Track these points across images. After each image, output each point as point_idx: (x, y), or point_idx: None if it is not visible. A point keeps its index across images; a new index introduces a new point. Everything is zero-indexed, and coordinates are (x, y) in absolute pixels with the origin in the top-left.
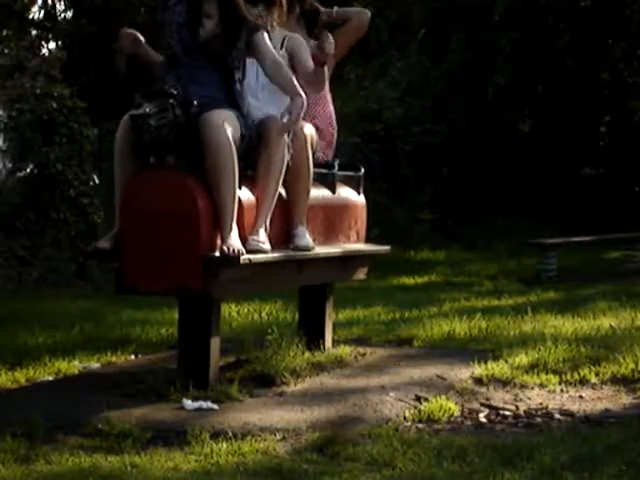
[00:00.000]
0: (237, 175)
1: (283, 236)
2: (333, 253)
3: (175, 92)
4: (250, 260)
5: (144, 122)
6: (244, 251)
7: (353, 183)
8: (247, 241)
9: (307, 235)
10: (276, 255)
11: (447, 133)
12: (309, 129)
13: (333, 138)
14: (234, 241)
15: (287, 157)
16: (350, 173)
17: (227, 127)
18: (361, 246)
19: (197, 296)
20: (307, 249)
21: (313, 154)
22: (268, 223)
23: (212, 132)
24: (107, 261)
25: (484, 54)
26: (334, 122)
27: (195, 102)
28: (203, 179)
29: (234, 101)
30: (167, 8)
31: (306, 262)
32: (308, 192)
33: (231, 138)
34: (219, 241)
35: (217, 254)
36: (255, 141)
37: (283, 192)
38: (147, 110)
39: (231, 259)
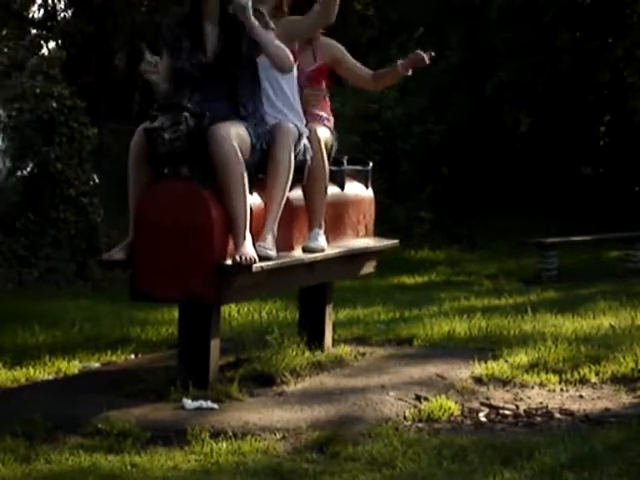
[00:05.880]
0: (247, 185)
1: (293, 238)
2: (342, 252)
3: (188, 105)
4: (262, 268)
5: (158, 135)
6: (257, 259)
7: (361, 177)
8: (254, 247)
9: (321, 237)
10: (287, 260)
11: (446, 132)
12: (323, 132)
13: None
14: (248, 249)
15: (308, 161)
16: (358, 167)
17: (233, 138)
18: (370, 241)
19: (210, 304)
20: (317, 251)
21: (329, 156)
22: (276, 228)
23: (218, 144)
24: (121, 270)
25: (482, 53)
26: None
27: (207, 114)
28: (216, 189)
29: (247, 114)
30: (169, 31)
31: (316, 262)
32: (325, 194)
33: (238, 149)
34: (233, 250)
35: (230, 263)
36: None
37: (289, 195)
38: (161, 123)
39: (244, 268)
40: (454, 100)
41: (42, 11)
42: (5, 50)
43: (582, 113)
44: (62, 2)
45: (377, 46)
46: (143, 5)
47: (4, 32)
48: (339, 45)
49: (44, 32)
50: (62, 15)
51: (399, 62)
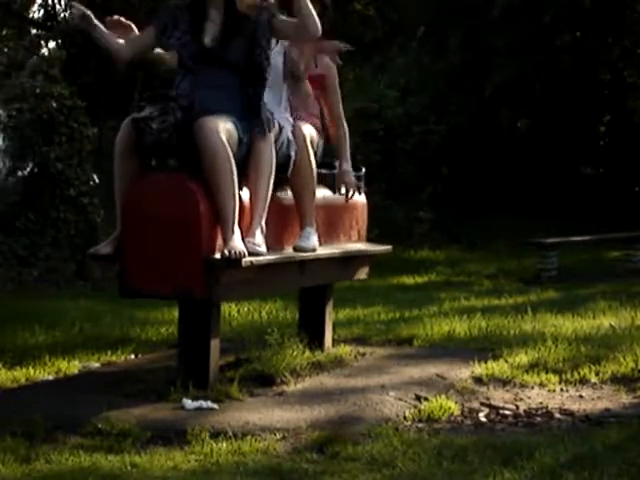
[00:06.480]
0: (235, 178)
1: (284, 237)
2: (334, 254)
3: (177, 95)
4: (252, 262)
5: (146, 125)
6: (246, 253)
7: None
8: (243, 242)
9: (312, 236)
10: (278, 257)
11: (446, 132)
12: (308, 129)
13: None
14: (236, 243)
15: (292, 156)
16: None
17: (221, 131)
18: (362, 246)
19: (199, 299)
20: (308, 250)
21: (315, 154)
22: (264, 224)
23: (206, 137)
24: (108, 265)
25: (482, 53)
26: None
27: (196, 106)
28: (205, 182)
29: (241, 106)
30: (167, 12)
31: (308, 263)
32: (314, 192)
33: (226, 142)
34: (221, 244)
35: (219, 257)
36: None
37: (280, 194)
38: (149, 113)
39: (233, 262)
40: (454, 100)
41: (42, 11)
42: (5, 50)
43: (582, 113)
44: (62, 2)
45: (379, 46)
46: (143, 5)
47: (4, 32)
48: (336, 77)
49: (44, 32)
50: (62, 15)
51: (347, 171)
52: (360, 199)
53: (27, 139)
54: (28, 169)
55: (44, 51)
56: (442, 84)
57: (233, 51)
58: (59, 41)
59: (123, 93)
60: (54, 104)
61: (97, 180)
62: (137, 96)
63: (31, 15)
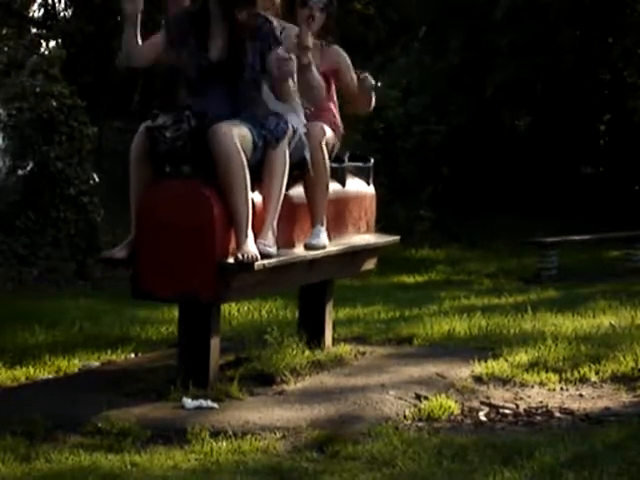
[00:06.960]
0: (249, 183)
1: (294, 235)
2: (343, 250)
3: (190, 104)
4: (264, 265)
5: (160, 134)
6: (259, 257)
7: (362, 174)
8: (255, 244)
9: (322, 234)
10: (289, 258)
11: (447, 132)
12: (323, 130)
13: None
14: (250, 247)
15: (307, 158)
16: (360, 164)
17: (235, 136)
18: (371, 238)
19: (210, 302)
20: (319, 248)
21: (330, 153)
22: (275, 225)
23: (220, 142)
24: (123, 269)
25: (483, 52)
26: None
27: (209, 114)
28: (218, 188)
29: (251, 114)
30: (176, 25)
31: (317, 259)
32: (326, 191)
33: (240, 147)
34: (235, 248)
35: (232, 261)
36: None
37: (290, 193)
38: (163, 122)
39: (246, 266)
40: (455, 100)
41: (42, 10)
42: (5, 49)
43: (582, 112)
44: (62, 2)
45: (380, 47)
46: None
47: (4, 31)
48: (346, 58)
49: (44, 31)
50: (62, 14)
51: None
52: (369, 190)
53: (27, 138)
54: (28, 168)
55: (44, 50)
56: (443, 84)
57: (240, 64)
58: (59, 40)
59: (123, 93)
60: (54, 103)
61: (97, 179)
62: (137, 97)
63: (31, 14)
